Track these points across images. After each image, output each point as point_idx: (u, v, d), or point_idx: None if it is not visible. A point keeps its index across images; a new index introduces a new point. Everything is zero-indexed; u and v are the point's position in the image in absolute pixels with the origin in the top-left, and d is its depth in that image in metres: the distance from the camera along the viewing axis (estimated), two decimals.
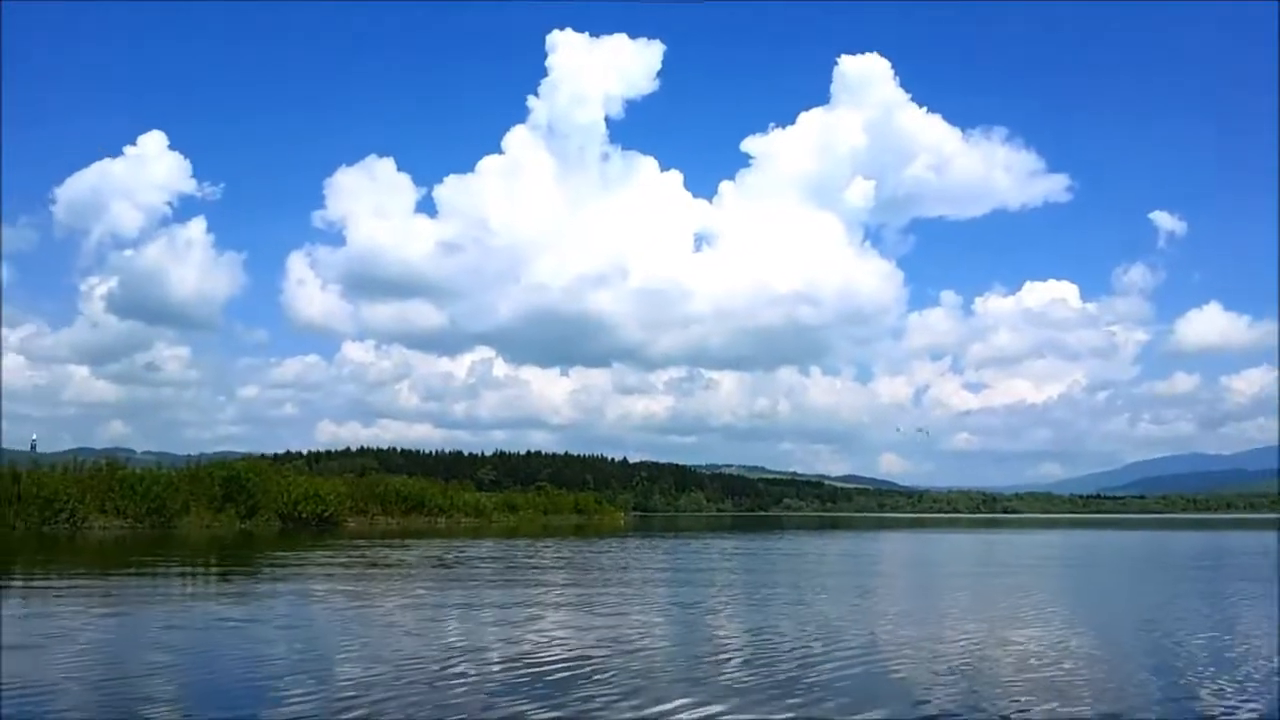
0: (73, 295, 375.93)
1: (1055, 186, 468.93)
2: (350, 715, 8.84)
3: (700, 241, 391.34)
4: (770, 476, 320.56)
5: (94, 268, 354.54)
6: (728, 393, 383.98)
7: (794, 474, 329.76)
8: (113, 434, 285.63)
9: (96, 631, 15.05)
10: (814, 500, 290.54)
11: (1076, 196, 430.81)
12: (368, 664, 11.79)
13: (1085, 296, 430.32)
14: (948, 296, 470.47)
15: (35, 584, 24.49)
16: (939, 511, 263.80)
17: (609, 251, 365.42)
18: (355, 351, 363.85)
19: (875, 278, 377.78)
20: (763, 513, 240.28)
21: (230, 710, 9.32)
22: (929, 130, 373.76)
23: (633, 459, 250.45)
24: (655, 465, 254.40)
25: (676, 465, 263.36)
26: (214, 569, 29.81)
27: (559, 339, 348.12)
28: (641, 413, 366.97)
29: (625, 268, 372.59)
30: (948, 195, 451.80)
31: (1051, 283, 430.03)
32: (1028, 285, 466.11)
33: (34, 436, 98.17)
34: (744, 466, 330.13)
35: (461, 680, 10.62)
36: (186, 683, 10.91)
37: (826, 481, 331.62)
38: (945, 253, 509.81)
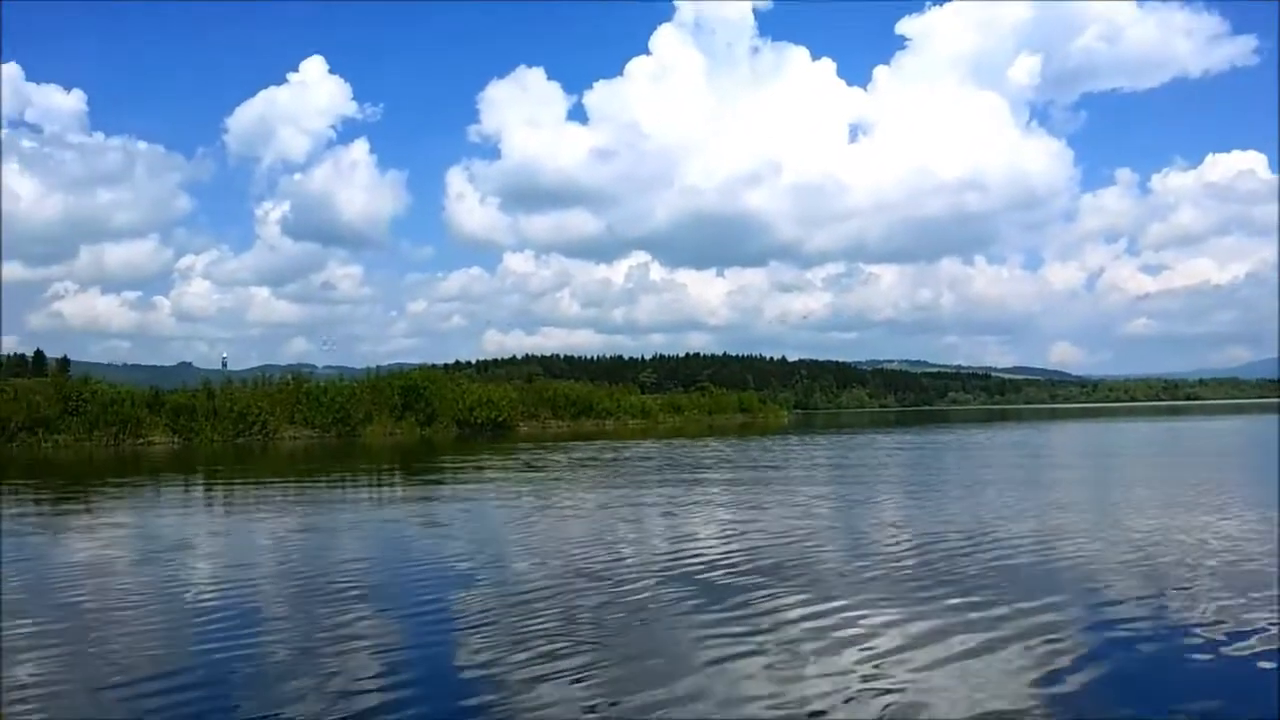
0: (250, 220, 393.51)
1: (1241, 50, 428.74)
2: (512, 608, 8.81)
3: (855, 131, 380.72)
4: (934, 370, 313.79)
5: (267, 193, 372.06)
6: (888, 287, 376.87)
7: (959, 367, 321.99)
8: (295, 350, 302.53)
9: (296, 530, 15.31)
10: (980, 393, 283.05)
11: (1265, 58, 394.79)
12: (542, 559, 11.85)
13: (1276, 167, 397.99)
14: (1123, 175, 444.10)
15: (236, 487, 25.32)
16: (1115, 401, 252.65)
17: (761, 148, 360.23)
18: (516, 262, 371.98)
19: (1044, 158, 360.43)
20: (927, 407, 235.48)
21: (413, 599, 9.49)
22: None
23: (791, 358, 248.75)
24: (815, 363, 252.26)
25: (837, 362, 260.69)
26: (399, 473, 30.38)
27: (714, 240, 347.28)
28: (800, 310, 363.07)
29: (778, 164, 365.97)
30: (1122, 66, 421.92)
31: (1237, 154, 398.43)
32: (1210, 158, 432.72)
33: (224, 354, 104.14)
34: (906, 361, 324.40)
35: (634, 574, 10.44)
36: (375, 574, 11.22)
37: (994, 374, 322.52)
38: (1119, 128, 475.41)
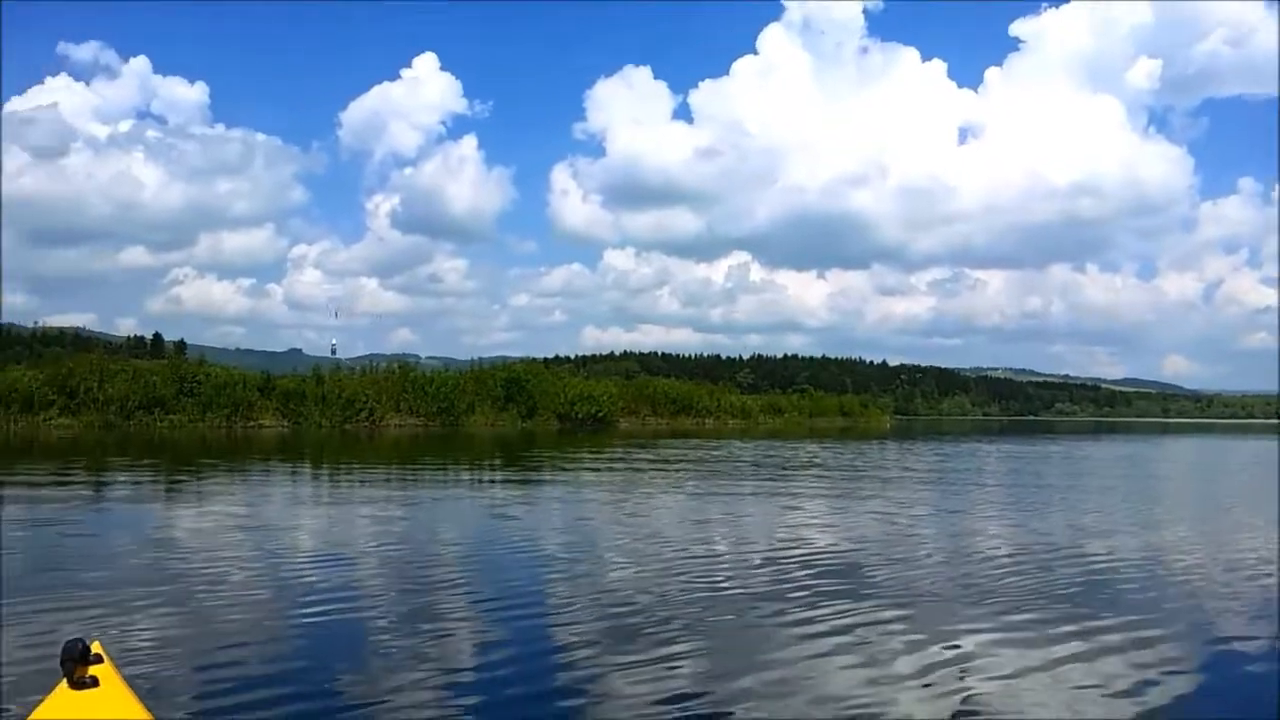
0: (360, 213, 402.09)
1: None
2: (599, 598, 8.83)
3: (965, 134, 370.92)
4: (1040, 379, 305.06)
5: (378, 186, 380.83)
6: (995, 292, 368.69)
7: (1066, 377, 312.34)
8: (400, 340, 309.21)
9: (397, 516, 15.60)
10: (1088, 405, 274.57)
11: None
12: (636, 558, 11.52)
13: None
14: (1245, 184, 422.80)
15: (343, 472, 25.66)
16: (1230, 417, 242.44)
17: (868, 149, 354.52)
18: (617, 259, 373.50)
19: (1162, 165, 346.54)
20: (1033, 417, 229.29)
21: (506, 586, 9.57)
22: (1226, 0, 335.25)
23: (892, 362, 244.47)
24: (916, 368, 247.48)
25: (939, 368, 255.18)
26: (501, 463, 30.50)
27: (816, 241, 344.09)
28: (902, 314, 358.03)
29: (885, 165, 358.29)
30: (1247, 72, 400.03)
31: None
32: None
33: (334, 342, 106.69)
34: (1012, 369, 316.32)
35: (727, 571, 10.40)
36: (470, 561, 11.43)
37: (1103, 385, 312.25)
38: (1243, 135, 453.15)
